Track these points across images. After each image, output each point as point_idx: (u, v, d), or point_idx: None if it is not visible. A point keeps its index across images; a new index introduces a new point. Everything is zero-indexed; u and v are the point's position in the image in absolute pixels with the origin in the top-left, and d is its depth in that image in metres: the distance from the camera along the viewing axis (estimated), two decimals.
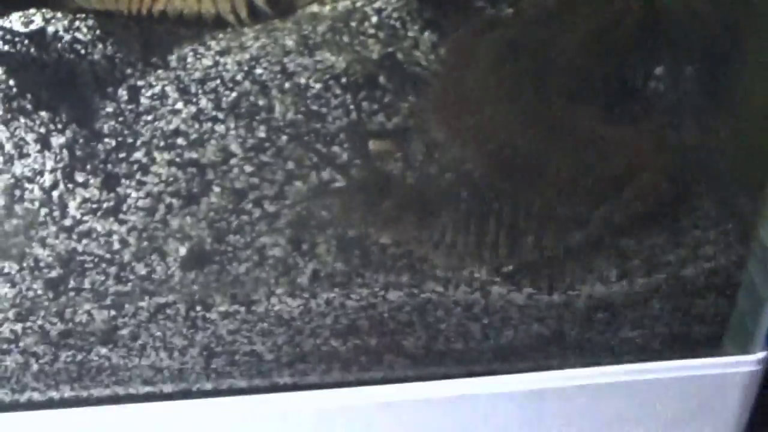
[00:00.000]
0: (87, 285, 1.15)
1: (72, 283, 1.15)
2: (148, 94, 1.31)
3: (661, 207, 1.20)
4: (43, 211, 1.19)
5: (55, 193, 1.20)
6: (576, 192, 1.18)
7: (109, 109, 1.29)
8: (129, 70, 1.33)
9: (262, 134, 1.27)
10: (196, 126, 1.27)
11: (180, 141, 1.26)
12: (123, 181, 1.22)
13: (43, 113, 1.25)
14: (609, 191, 1.18)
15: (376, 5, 1.43)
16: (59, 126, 1.25)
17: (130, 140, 1.26)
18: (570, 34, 1.34)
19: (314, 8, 1.46)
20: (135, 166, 1.24)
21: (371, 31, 1.40)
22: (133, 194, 1.21)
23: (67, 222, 1.19)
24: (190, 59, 1.36)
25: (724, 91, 1.20)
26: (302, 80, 1.32)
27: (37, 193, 1.20)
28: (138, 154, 1.25)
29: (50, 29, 1.32)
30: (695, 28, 1.28)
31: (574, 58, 1.33)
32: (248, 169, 1.23)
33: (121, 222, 1.19)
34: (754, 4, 1.15)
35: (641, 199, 1.18)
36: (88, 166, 1.22)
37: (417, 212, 1.13)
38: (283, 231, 1.18)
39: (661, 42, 1.36)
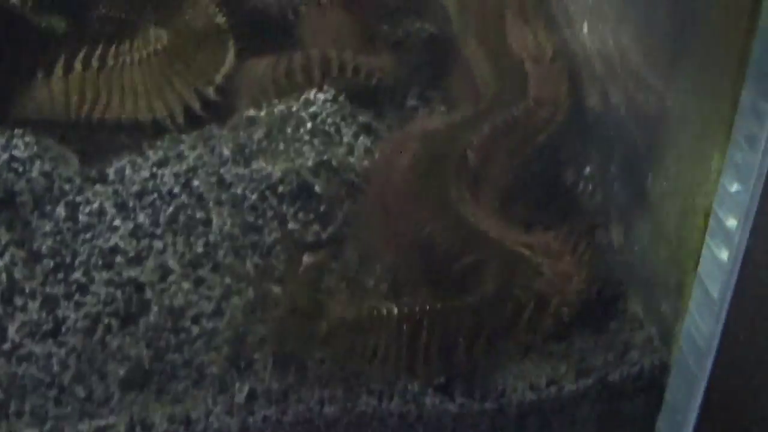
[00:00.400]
0: (27, 408, 1.16)
1: (12, 407, 1.16)
2: (86, 210, 1.32)
3: (586, 313, 1.22)
4: None
5: None
6: (503, 300, 1.20)
7: (48, 228, 1.30)
8: (67, 187, 1.34)
9: (199, 249, 1.28)
10: (134, 243, 1.29)
11: (118, 259, 1.27)
12: (62, 302, 1.23)
13: None
14: (535, 298, 1.20)
15: (311, 110, 1.45)
16: None
17: (68, 260, 1.27)
18: (495, 140, 1.37)
19: (251, 112, 1.49)
20: (74, 287, 1.25)
21: (306, 137, 1.42)
22: (72, 316, 1.22)
23: (6, 346, 1.20)
24: (128, 172, 1.37)
25: (646, 197, 1.24)
26: (239, 191, 1.34)
27: None
28: (76, 275, 1.26)
29: None
30: (617, 136, 1.32)
31: (498, 164, 1.36)
32: (186, 285, 1.24)
33: (60, 344, 1.20)
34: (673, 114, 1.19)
35: (566, 305, 1.21)
36: (27, 289, 1.24)
37: (348, 330, 1.15)
38: (221, 349, 1.19)
39: (583, 147, 1.41)
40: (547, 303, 1.19)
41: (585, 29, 1.39)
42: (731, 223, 1.04)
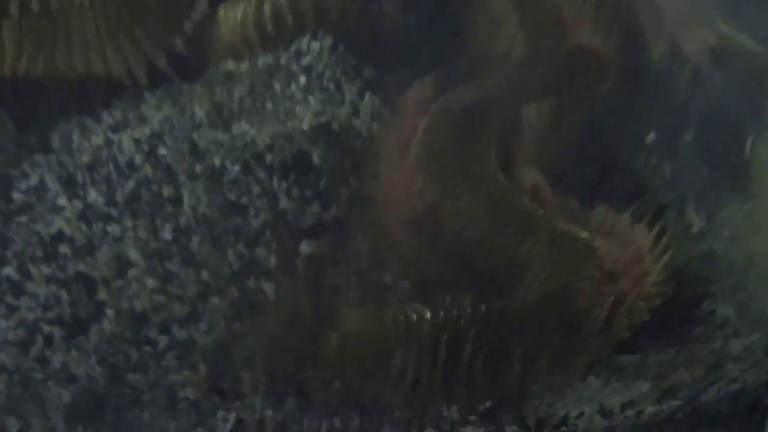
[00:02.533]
0: None
1: None
2: (23, 187, 1.07)
3: (666, 314, 0.97)
4: None
5: None
6: (561, 296, 0.94)
7: None
8: None
9: (167, 235, 1.04)
10: (84, 228, 1.04)
11: (63, 249, 1.02)
12: None
13: None
14: (599, 296, 0.94)
15: (305, 62, 1.19)
16: None
17: None
18: (538, 102, 1.11)
19: (229, 66, 1.22)
20: (4, 286, 0.99)
21: (299, 95, 1.15)
22: (2, 324, 0.97)
23: None
24: (76, 138, 1.13)
25: (740, 169, 0.99)
26: (216, 161, 1.09)
27: None
28: (8, 270, 0.99)
29: None
30: (693, 93, 1.06)
31: (546, 125, 1.10)
32: (151, 283, 0.98)
33: None
34: None
35: (642, 304, 0.95)
36: None
37: (367, 342, 0.89)
38: (198, 365, 0.92)
39: (646, 109, 1.14)
40: (619, 301, 0.93)
41: None
42: None
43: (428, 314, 0.91)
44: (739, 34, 1.04)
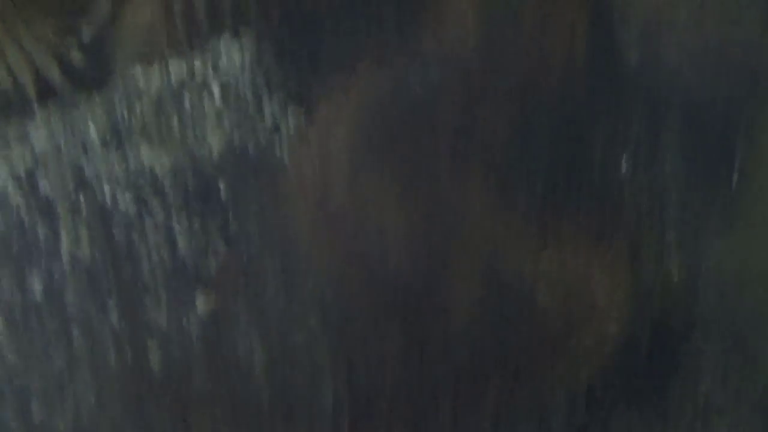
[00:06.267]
0: None
1: None
2: None
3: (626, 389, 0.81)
4: None
5: None
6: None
7: None
8: None
9: (37, 292, 0.85)
10: None
11: None
12: None
13: None
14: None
15: (222, 69, 1.03)
16: None
17: None
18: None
19: (137, 75, 1.08)
20: None
21: (211, 111, 0.99)
22: None
23: None
24: None
25: (733, 195, 0.81)
26: (105, 191, 0.93)
27: None
28: None
29: None
30: (668, 97, 0.89)
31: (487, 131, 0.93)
32: (12, 358, 0.81)
33: None
34: None
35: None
36: None
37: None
38: None
39: (612, 114, 0.96)
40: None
41: None
42: None
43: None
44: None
